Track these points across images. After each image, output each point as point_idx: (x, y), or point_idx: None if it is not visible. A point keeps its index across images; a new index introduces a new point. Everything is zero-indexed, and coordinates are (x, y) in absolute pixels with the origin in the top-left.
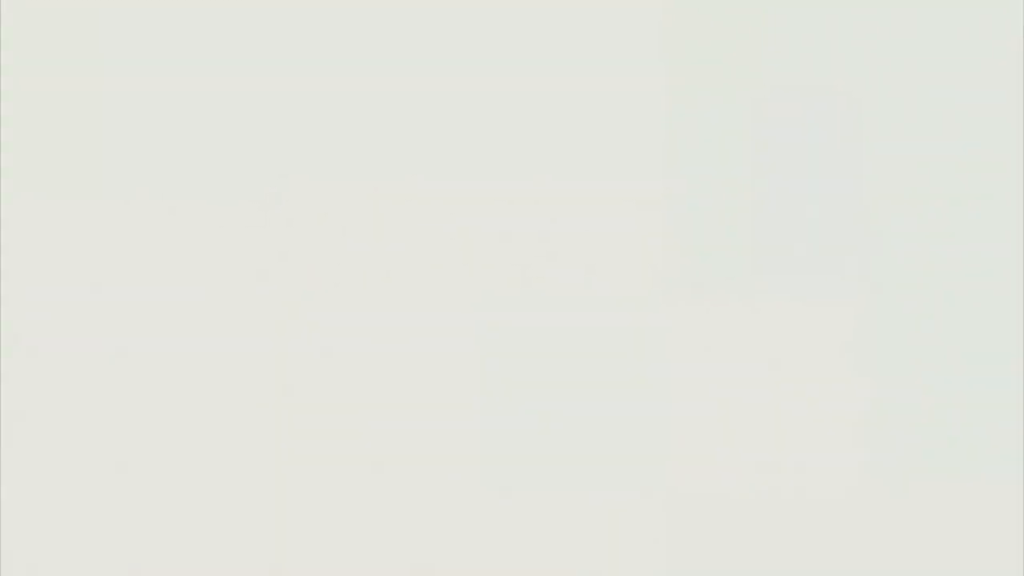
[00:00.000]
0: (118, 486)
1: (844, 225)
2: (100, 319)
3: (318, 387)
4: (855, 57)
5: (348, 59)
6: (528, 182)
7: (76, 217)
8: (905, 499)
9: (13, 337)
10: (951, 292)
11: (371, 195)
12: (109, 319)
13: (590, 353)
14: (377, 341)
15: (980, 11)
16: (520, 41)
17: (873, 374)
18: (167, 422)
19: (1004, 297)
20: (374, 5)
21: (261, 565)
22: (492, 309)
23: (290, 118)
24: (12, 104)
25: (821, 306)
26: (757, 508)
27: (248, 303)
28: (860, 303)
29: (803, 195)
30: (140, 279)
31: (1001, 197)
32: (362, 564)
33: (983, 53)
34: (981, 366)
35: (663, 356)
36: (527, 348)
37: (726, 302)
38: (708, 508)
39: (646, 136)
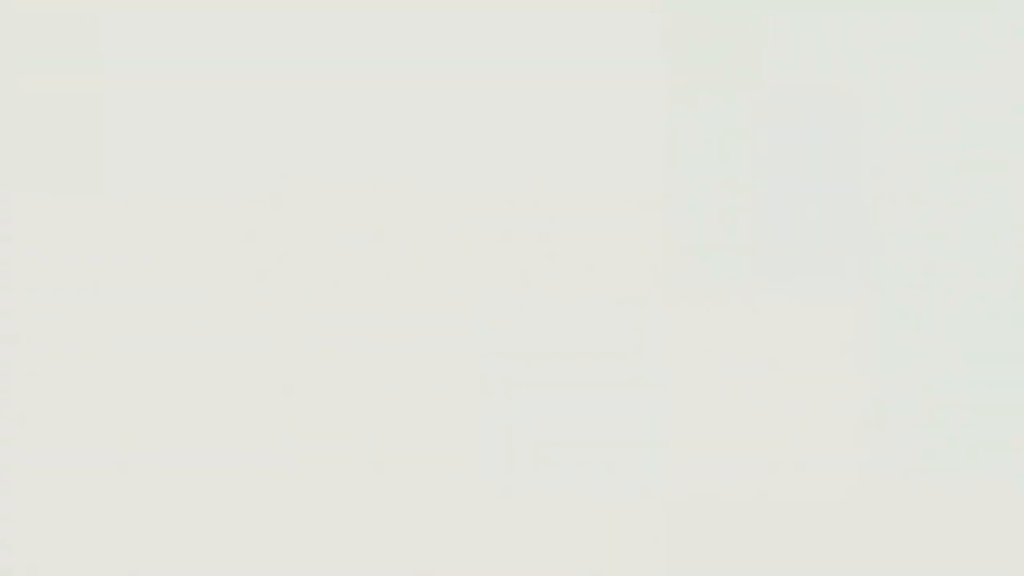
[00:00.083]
0: (116, 482)
1: (844, 225)
2: (100, 316)
3: (318, 386)
4: (855, 58)
5: (348, 59)
6: (528, 182)
7: (77, 216)
8: (904, 498)
9: (13, 337)
10: (950, 292)
11: (371, 195)
12: (109, 317)
13: (590, 353)
14: (377, 341)
15: (979, 12)
16: (520, 41)
17: (872, 374)
18: (166, 419)
19: (1004, 297)
20: (374, 5)
21: (261, 564)
22: (492, 309)
23: (290, 118)
24: (12, 104)
25: (821, 306)
26: (757, 507)
27: (248, 301)
28: (860, 303)
29: (803, 195)
30: (140, 277)
31: (1001, 197)
32: (362, 563)
33: (982, 54)
34: (980, 366)
35: (663, 356)
36: (527, 348)
37: (726, 302)
38: (708, 506)
39: (646, 136)
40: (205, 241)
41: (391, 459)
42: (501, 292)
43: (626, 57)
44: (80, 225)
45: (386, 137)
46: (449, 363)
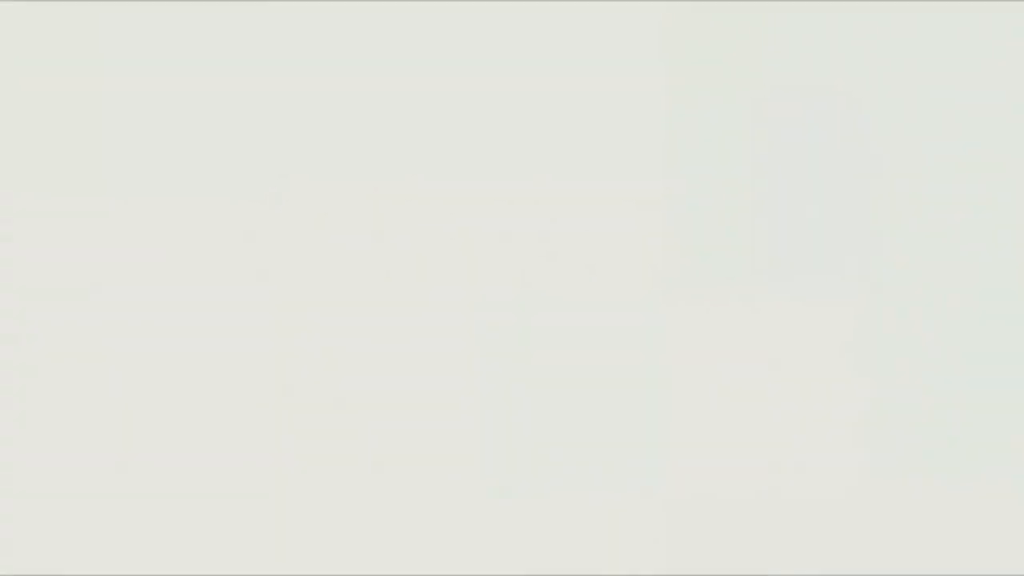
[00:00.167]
0: (116, 481)
1: (843, 226)
2: (100, 316)
3: (318, 385)
4: (854, 60)
5: (348, 59)
6: (529, 182)
7: (77, 215)
8: (904, 497)
9: (13, 336)
10: (950, 292)
11: (371, 195)
12: (109, 316)
13: (590, 353)
14: (377, 341)
15: (979, 13)
16: (521, 41)
17: (872, 374)
18: (166, 418)
19: (1003, 297)
20: (374, 5)
21: (261, 563)
22: (492, 309)
23: (291, 118)
24: (13, 104)
25: (820, 306)
26: (757, 506)
27: (248, 301)
28: (859, 303)
29: (802, 196)
30: (140, 277)
31: (1001, 198)
32: (362, 563)
33: (982, 55)
34: (980, 366)
35: (663, 356)
36: (527, 348)
37: (726, 302)
38: (708, 506)
39: (647, 137)
40: (205, 241)
41: (391, 459)
42: (501, 292)
43: (626, 58)
44: (80, 225)
45: (386, 137)
46: (449, 363)
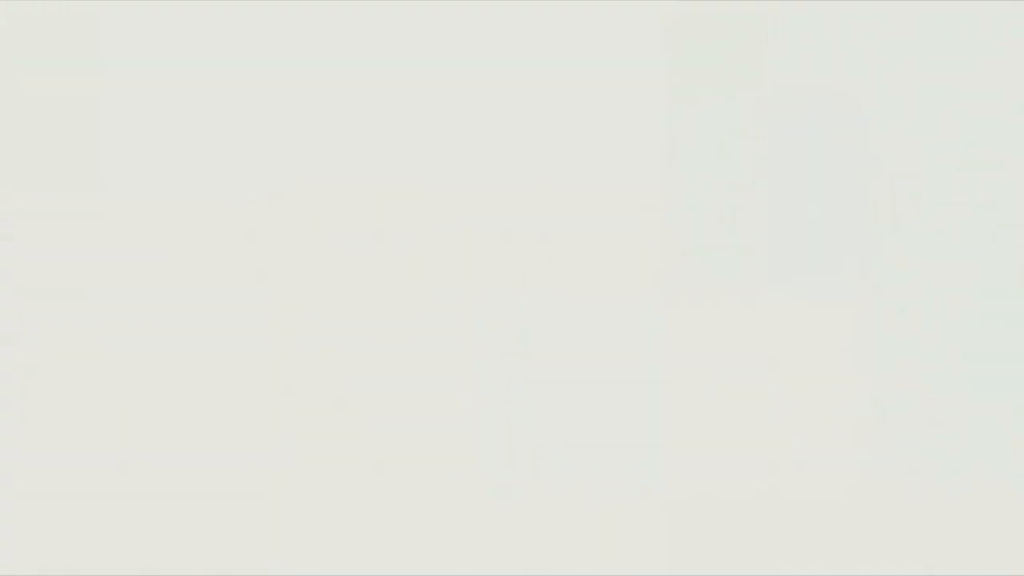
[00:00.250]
0: (116, 480)
1: (843, 226)
2: (101, 315)
3: (318, 385)
4: (854, 60)
5: (348, 59)
6: (529, 182)
7: (78, 215)
8: (903, 497)
9: (13, 336)
10: (950, 293)
11: (371, 195)
12: (109, 315)
13: (590, 352)
14: (377, 340)
15: (979, 13)
16: (521, 41)
17: (872, 374)
18: (166, 417)
19: (1003, 297)
20: (374, 5)
21: (261, 562)
22: (492, 309)
23: (291, 118)
24: (13, 104)
25: (820, 306)
26: (757, 506)
27: (248, 301)
28: (859, 303)
29: (802, 196)
30: (140, 277)
31: (1001, 198)
32: (362, 562)
33: (982, 55)
34: (980, 366)
35: (663, 356)
36: (527, 348)
37: (726, 302)
38: (708, 506)
39: (646, 137)
40: (206, 241)
41: (391, 458)
42: (502, 292)
43: (627, 58)
44: (81, 225)
45: (387, 137)
46: (450, 363)
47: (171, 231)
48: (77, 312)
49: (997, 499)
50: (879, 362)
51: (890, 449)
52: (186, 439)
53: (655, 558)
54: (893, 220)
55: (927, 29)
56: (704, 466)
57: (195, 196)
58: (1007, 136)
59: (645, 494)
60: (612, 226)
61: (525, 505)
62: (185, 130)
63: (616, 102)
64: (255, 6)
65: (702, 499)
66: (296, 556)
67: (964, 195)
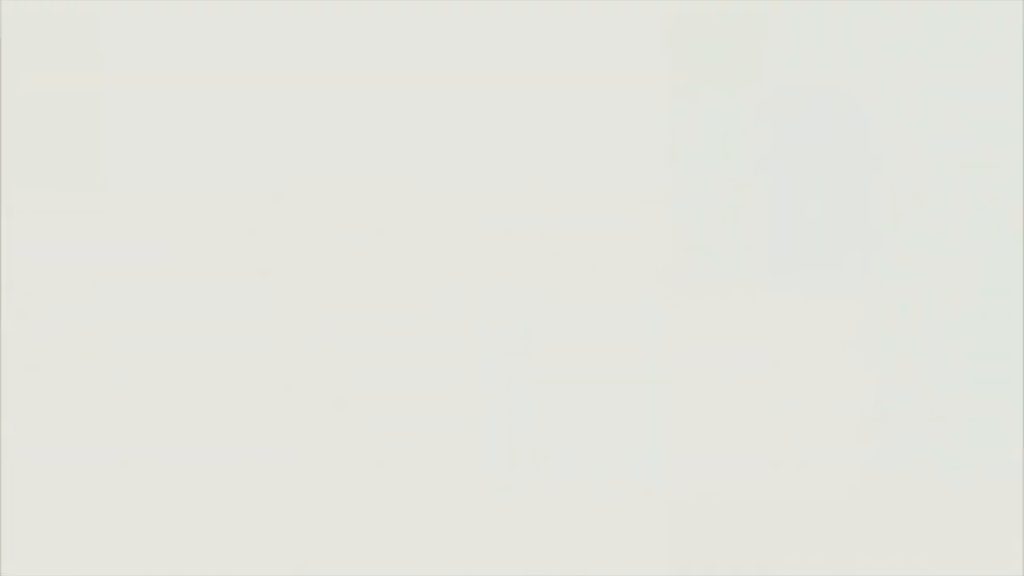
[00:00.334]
0: (116, 479)
1: (846, 222)
2: (102, 313)
3: (319, 383)
4: (856, 57)
5: (350, 55)
6: (531, 179)
7: (78, 212)
8: (907, 495)
9: (14, 334)
10: (953, 289)
11: (372, 191)
12: (110, 313)
13: (592, 350)
14: (378, 338)
15: (980, 12)
16: (523, 40)
17: (876, 370)
18: (167, 416)
19: (1005, 294)
20: (374, 5)
21: (261, 561)
22: (494, 305)
23: (293, 114)
24: (14, 101)
25: (823, 303)
26: (760, 504)
27: (249, 298)
28: (862, 299)
29: (805, 192)
30: (140, 274)
31: (1002, 195)
32: (363, 561)
33: (983, 53)
34: (984, 362)
35: (665, 353)
36: (529, 345)
37: (728, 298)
38: (710, 504)
39: (649, 134)
40: (207, 237)
41: (391, 457)
42: (503, 289)
43: (628, 54)
44: (81, 221)
45: (388, 134)
46: (450, 359)
47: (172, 227)
48: (79, 308)
49: (1002, 496)
50: (883, 358)
51: (894, 445)
52: (188, 436)
53: (658, 554)
54: (896, 216)
55: (930, 27)
56: (707, 462)
57: (198, 192)
58: (1010, 134)
59: (647, 490)
60: (614, 222)
61: (527, 502)
62: (187, 126)
63: (618, 98)
64: (257, 2)
65: (705, 495)
66: (297, 553)
67: (967, 192)
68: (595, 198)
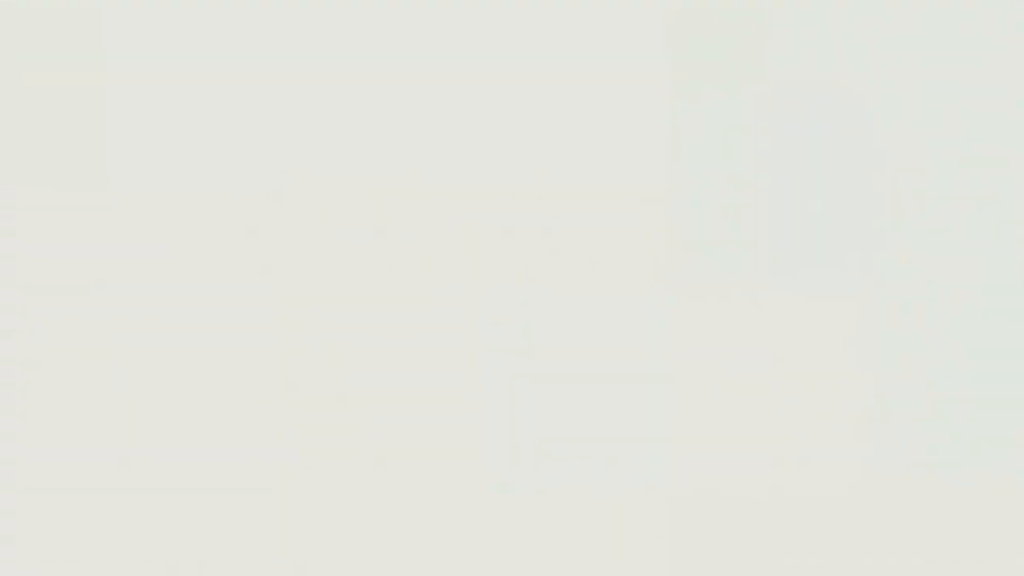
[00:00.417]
0: (117, 478)
1: (847, 221)
2: (103, 311)
3: (321, 380)
4: (858, 55)
5: (352, 54)
6: (532, 178)
7: (80, 211)
8: (907, 492)
9: (15, 332)
10: (954, 287)
11: (374, 190)
12: (112, 311)
13: (593, 348)
14: (380, 336)
15: (980, 11)
16: (523, 39)
17: (876, 369)
18: (169, 413)
19: (1007, 293)
20: (374, 5)
21: (261, 561)
22: (495, 304)
23: (294, 113)
24: (15, 100)
25: (824, 301)
26: (760, 501)
27: (251, 296)
28: (863, 299)
29: (806, 191)
30: (143, 272)
31: (1004, 194)
32: (364, 559)
33: (985, 52)
34: (984, 361)
35: (667, 351)
36: (530, 343)
37: (730, 297)
38: (711, 501)
39: (650, 132)
40: (209, 236)
41: (393, 454)
42: (505, 287)
43: (630, 53)
44: (83, 220)
45: (389, 133)
46: (452, 358)
47: (174, 226)
48: (80, 308)
49: (1003, 495)
50: (884, 357)
51: (894, 444)
52: (190, 434)
53: (659, 552)
54: (898, 215)
55: (932, 25)
56: (708, 461)
57: (199, 191)
58: (1012, 132)
59: (648, 486)
60: (615, 221)
61: (528, 500)
62: (189, 125)
63: (619, 97)
64: (257, 2)
65: (705, 492)
66: (298, 552)
67: (969, 190)
68: (596, 196)
